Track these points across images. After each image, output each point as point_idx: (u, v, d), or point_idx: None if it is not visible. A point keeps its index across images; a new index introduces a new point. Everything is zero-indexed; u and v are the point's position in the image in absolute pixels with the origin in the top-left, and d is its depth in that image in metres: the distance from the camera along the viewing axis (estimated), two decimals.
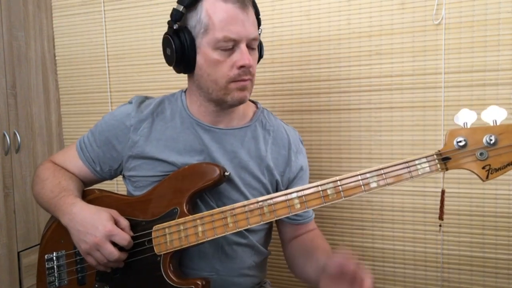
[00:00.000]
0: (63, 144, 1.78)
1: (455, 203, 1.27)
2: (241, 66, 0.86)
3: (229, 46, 0.86)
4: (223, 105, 0.93)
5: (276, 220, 0.98)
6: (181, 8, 0.88)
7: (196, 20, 0.87)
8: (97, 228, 0.84)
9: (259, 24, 0.94)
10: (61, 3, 1.71)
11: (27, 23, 1.64)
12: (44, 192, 0.97)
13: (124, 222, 0.88)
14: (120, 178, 1.05)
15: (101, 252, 0.84)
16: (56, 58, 1.75)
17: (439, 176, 1.27)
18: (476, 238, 1.26)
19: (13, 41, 1.57)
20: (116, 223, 0.87)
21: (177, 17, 0.89)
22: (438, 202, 1.28)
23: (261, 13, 1.39)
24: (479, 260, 1.26)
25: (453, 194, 1.27)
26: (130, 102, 1.00)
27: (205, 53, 0.88)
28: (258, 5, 1.44)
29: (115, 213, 0.89)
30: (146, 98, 1.02)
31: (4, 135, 1.53)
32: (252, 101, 1.06)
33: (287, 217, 0.95)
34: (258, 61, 0.97)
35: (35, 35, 1.67)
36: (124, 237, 0.85)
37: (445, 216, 1.28)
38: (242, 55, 0.86)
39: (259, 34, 0.93)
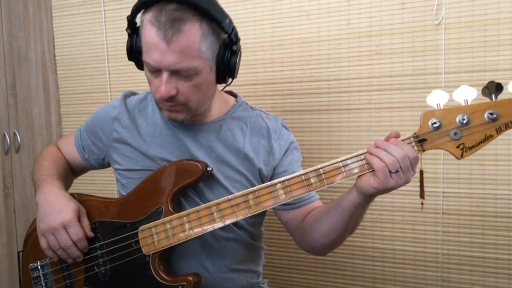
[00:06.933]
0: None
1: (455, 203, 1.27)
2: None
3: (153, 70, 0.83)
4: None
5: (277, 214, 0.98)
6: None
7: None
8: (59, 214, 0.87)
9: (215, 47, 0.83)
10: (61, 3, 1.71)
11: (27, 23, 1.64)
12: (40, 169, 1.01)
13: (85, 222, 0.90)
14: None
15: (55, 236, 0.87)
16: (56, 58, 1.75)
17: (439, 176, 1.27)
18: (476, 238, 1.26)
19: (13, 41, 1.57)
20: (79, 219, 0.89)
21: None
22: (438, 203, 1.29)
23: (261, 13, 1.37)
24: (479, 260, 1.27)
25: (453, 194, 1.27)
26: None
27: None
28: (258, 6, 1.43)
29: (83, 211, 0.91)
30: (133, 93, 1.06)
31: (4, 135, 1.53)
32: (233, 94, 1.05)
33: (286, 204, 0.91)
34: (232, 79, 0.90)
35: (35, 35, 1.67)
36: (77, 232, 0.87)
37: (445, 216, 1.29)
38: (159, 85, 0.82)
39: (211, 60, 0.84)
